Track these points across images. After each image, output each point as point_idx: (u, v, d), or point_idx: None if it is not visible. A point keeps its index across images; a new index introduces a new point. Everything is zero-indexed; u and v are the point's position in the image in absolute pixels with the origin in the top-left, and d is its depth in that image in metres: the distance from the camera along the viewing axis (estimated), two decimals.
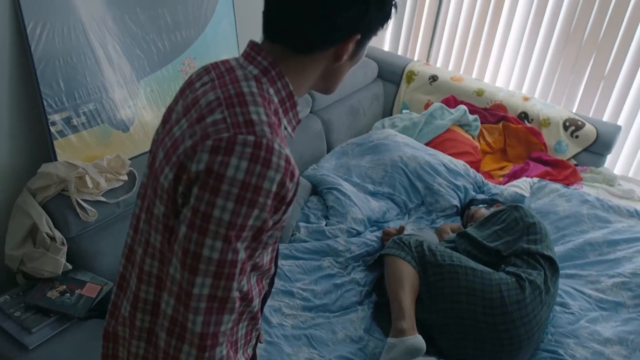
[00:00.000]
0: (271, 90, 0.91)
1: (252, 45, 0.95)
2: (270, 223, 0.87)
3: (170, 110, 1.02)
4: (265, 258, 0.97)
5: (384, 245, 2.26)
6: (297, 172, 0.86)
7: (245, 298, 0.95)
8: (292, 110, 0.96)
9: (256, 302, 1.01)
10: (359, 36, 0.92)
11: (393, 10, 0.96)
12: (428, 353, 1.92)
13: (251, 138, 0.81)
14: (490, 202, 2.59)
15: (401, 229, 2.34)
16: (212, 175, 0.81)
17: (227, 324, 0.87)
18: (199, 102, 0.91)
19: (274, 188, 0.82)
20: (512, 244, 2.12)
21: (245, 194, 0.81)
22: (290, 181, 0.84)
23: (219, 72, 0.96)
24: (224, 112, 0.85)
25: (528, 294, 1.93)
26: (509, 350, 1.89)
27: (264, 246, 0.92)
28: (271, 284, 1.11)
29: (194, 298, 0.83)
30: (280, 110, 0.92)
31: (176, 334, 0.86)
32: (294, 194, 0.88)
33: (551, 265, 2.06)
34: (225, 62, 0.98)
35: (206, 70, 0.99)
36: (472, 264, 2.02)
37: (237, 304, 0.87)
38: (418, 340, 1.81)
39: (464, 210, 2.65)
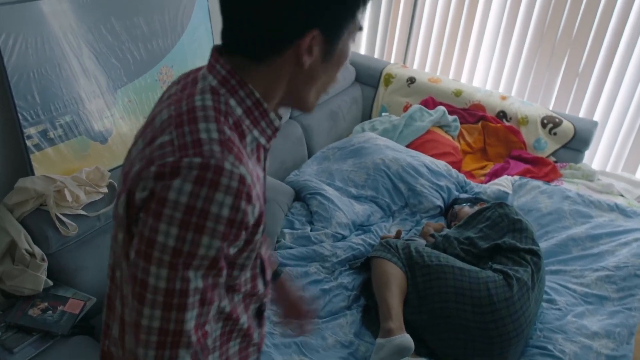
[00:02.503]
0: (232, 102, 0.83)
1: (213, 52, 0.88)
2: (233, 250, 0.81)
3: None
4: (244, 277, 0.91)
5: None
6: (254, 193, 0.79)
7: (230, 318, 0.92)
8: (264, 119, 0.87)
9: (244, 319, 0.97)
10: (316, 32, 0.81)
11: None
12: (418, 354, 1.92)
13: (197, 160, 0.74)
14: (474, 200, 2.60)
15: (398, 234, 2.34)
16: (154, 198, 0.75)
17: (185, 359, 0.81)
18: (154, 120, 0.85)
19: (226, 213, 0.75)
20: (497, 240, 2.13)
21: (190, 218, 0.74)
22: (247, 203, 0.77)
23: (184, 83, 0.91)
24: (172, 134, 0.78)
25: (516, 291, 1.94)
26: (499, 348, 1.89)
27: (241, 267, 0.87)
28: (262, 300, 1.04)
29: (142, 330, 0.78)
30: (246, 122, 0.85)
31: None
32: (260, 217, 0.81)
33: (537, 260, 2.08)
34: (195, 72, 0.93)
35: (177, 81, 0.95)
36: (459, 263, 2.03)
37: (194, 338, 0.80)
38: (406, 339, 1.81)
39: (447, 210, 2.66)
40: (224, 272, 0.82)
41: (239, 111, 0.84)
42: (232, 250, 0.81)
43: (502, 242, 2.11)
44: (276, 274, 1.31)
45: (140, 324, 0.78)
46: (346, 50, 0.89)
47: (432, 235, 2.31)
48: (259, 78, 0.85)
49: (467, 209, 2.51)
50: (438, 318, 1.94)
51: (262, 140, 0.89)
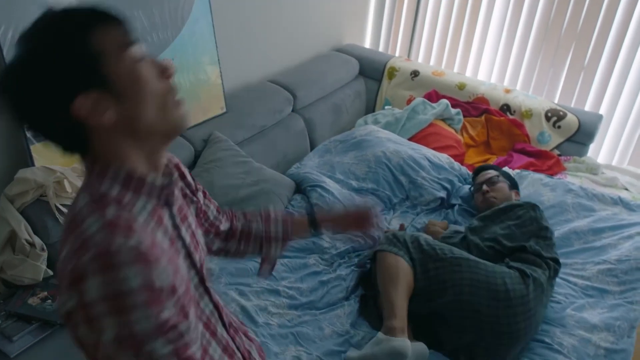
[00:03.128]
0: (103, 188, 0.85)
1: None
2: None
3: None
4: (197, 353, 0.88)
5: None
6: (151, 255, 0.79)
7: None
8: (143, 187, 0.88)
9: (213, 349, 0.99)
10: (81, 101, 0.80)
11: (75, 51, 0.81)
12: (416, 339, 1.91)
13: (92, 253, 0.76)
14: (514, 184, 2.53)
15: (401, 228, 2.33)
16: (78, 308, 0.77)
17: None
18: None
19: (135, 283, 0.76)
20: (523, 242, 2.10)
21: (112, 304, 0.76)
22: (147, 265, 0.78)
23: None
24: (66, 246, 0.81)
25: (531, 290, 1.92)
26: (507, 344, 1.88)
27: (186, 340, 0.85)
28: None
29: None
30: (128, 195, 0.86)
31: None
32: (174, 275, 0.83)
33: (557, 265, 2.07)
34: None
35: None
36: (473, 257, 2.00)
37: None
38: (405, 345, 1.77)
39: (479, 170, 2.59)
40: (182, 326, 0.83)
41: (113, 192, 0.85)
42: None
43: (528, 245, 2.08)
44: (314, 224, 1.32)
45: None
46: (140, 73, 0.86)
47: (457, 232, 2.26)
48: (102, 159, 0.87)
49: (507, 189, 2.46)
50: (450, 310, 1.92)
51: (151, 203, 0.89)
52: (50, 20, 0.83)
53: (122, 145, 0.86)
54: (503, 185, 2.47)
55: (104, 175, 0.86)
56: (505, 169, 2.84)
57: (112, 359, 0.78)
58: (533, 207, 2.24)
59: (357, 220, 1.34)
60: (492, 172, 2.54)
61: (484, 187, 2.47)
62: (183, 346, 0.82)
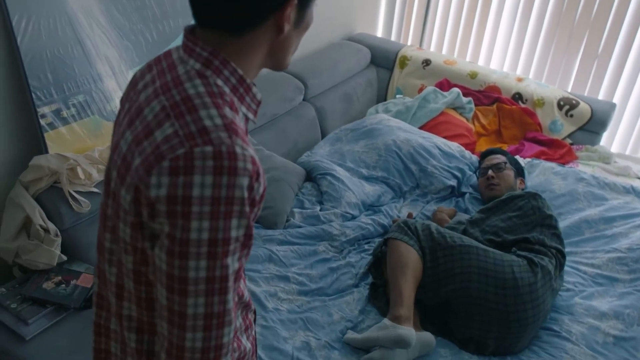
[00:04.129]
0: (219, 82, 0.84)
1: (187, 34, 0.88)
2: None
3: (117, 122, 0.96)
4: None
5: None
6: (262, 171, 0.81)
7: (238, 294, 0.94)
8: (248, 94, 0.89)
9: (245, 293, 1.00)
10: (295, 0, 0.84)
11: None
12: (426, 330, 1.92)
13: (209, 149, 0.75)
14: (520, 171, 2.53)
15: (409, 217, 2.33)
16: (179, 200, 0.75)
17: (229, 335, 0.83)
18: (142, 111, 0.84)
19: (246, 194, 0.77)
20: (525, 234, 2.10)
21: (218, 208, 0.75)
22: (256, 181, 0.79)
23: (160, 69, 0.89)
24: (175, 125, 0.78)
25: (539, 278, 1.92)
26: (515, 332, 1.88)
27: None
28: None
29: (189, 318, 0.79)
30: (235, 100, 0.86)
31: (174, 355, 0.82)
32: (264, 191, 0.84)
33: (561, 258, 2.07)
34: (167, 56, 0.91)
35: (149, 67, 0.93)
36: (482, 245, 2.01)
37: (233, 314, 0.83)
38: (410, 333, 1.78)
39: (487, 154, 2.60)
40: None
41: (227, 90, 0.85)
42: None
43: (531, 236, 2.08)
44: None
45: (185, 313, 0.79)
46: (312, 15, 0.92)
47: (460, 223, 2.26)
48: (239, 51, 0.86)
49: (512, 177, 2.46)
50: (458, 298, 1.93)
51: (250, 115, 0.90)
52: None
53: (262, 51, 0.89)
54: (509, 172, 2.47)
55: (222, 68, 0.85)
56: (517, 157, 2.83)
57: (179, 260, 0.77)
58: (534, 196, 2.23)
59: None
60: (500, 158, 2.54)
61: (490, 172, 2.47)
62: (242, 265, 0.84)
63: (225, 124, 0.79)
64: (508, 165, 2.50)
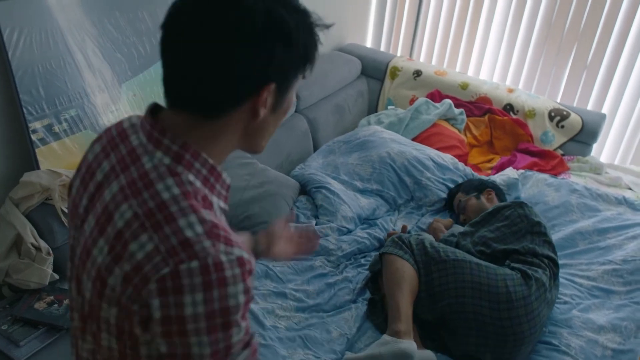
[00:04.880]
0: (191, 177, 0.79)
1: (151, 121, 0.82)
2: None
3: (75, 202, 0.89)
4: None
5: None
6: (252, 264, 0.77)
7: None
8: (218, 181, 0.84)
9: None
10: (273, 85, 0.79)
11: (316, 44, 0.83)
12: (426, 347, 1.91)
13: (195, 264, 0.71)
14: (480, 187, 2.53)
15: (404, 230, 2.31)
16: (172, 320, 0.72)
17: None
18: (112, 216, 0.78)
19: (242, 299, 0.74)
20: (516, 243, 2.09)
21: (214, 322, 0.72)
22: (249, 276, 0.76)
23: (119, 156, 0.83)
24: (154, 239, 0.73)
25: (534, 291, 1.91)
26: (512, 346, 1.88)
27: None
28: None
29: None
30: (206, 192, 0.81)
31: None
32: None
33: (554, 267, 2.06)
34: (123, 137, 0.85)
35: (103, 149, 0.87)
36: (476, 259, 2.00)
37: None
38: (411, 347, 1.78)
39: (451, 198, 2.62)
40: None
41: (198, 184, 0.80)
42: None
43: (520, 247, 2.07)
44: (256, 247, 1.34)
45: None
46: (292, 98, 0.88)
47: (452, 235, 2.25)
48: (210, 136, 0.82)
49: (474, 201, 2.47)
50: (453, 313, 1.92)
51: (222, 204, 0.85)
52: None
53: (235, 135, 0.84)
54: (471, 202, 2.47)
55: (194, 161, 0.81)
56: (509, 169, 2.84)
57: None
58: (520, 204, 2.23)
59: (297, 247, 1.38)
60: (457, 198, 2.56)
61: (461, 216, 2.50)
62: (253, 341, 0.81)
63: (207, 231, 0.74)
64: (465, 197, 2.51)
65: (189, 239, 0.73)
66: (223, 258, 0.73)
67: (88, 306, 0.84)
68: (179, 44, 0.78)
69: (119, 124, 0.89)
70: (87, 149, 0.92)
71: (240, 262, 0.74)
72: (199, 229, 0.74)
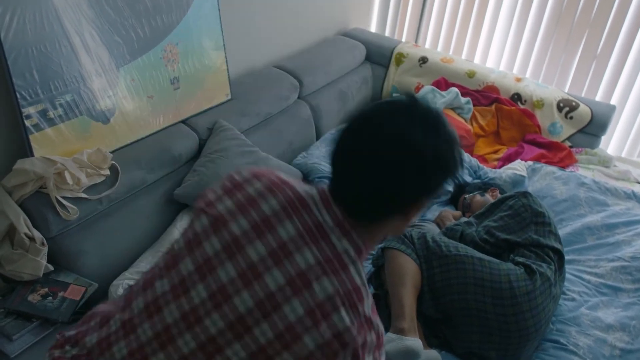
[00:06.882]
0: (361, 268, 0.98)
1: (342, 213, 0.98)
2: None
3: (224, 218, 1.00)
4: None
5: None
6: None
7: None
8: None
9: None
10: (426, 200, 0.98)
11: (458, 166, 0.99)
12: (430, 345, 1.88)
13: (373, 335, 0.95)
14: (484, 186, 2.52)
15: None
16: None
17: None
18: (309, 283, 0.93)
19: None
20: (520, 233, 2.05)
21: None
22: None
23: (301, 219, 0.97)
24: (351, 317, 0.92)
25: (538, 286, 1.87)
26: (517, 342, 1.84)
27: None
28: None
29: None
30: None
31: None
32: None
33: (559, 259, 2.01)
34: (302, 202, 0.99)
35: (268, 189, 1.01)
36: (479, 254, 1.95)
37: None
38: (417, 344, 1.74)
39: (456, 197, 2.58)
40: None
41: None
42: None
43: (525, 239, 2.02)
44: None
45: None
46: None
47: (457, 224, 2.22)
48: (370, 231, 1.00)
49: (479, 198, 2.43)
50: (455, 309, 1.88)
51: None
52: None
53: (382, 234, 1.04)
54: (476, 199, 2.45)
55: (365, 255, 1.00)
56: (517, 161, 2.78)
57: None
58: (524, 194, 2.19)
59: None
60: (462, 197, 2.53)
61: (466, 214, 2.47)
62: None
63: (374, 323, 0.97)
64: (469, 196, 2.48)
65: (369, 319, 0.96)
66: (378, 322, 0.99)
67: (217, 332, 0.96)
68: (358, 174, 0.95)
69: (287, 181, 1.04)
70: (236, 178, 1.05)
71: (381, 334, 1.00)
72: (368, 310, 0.96)
